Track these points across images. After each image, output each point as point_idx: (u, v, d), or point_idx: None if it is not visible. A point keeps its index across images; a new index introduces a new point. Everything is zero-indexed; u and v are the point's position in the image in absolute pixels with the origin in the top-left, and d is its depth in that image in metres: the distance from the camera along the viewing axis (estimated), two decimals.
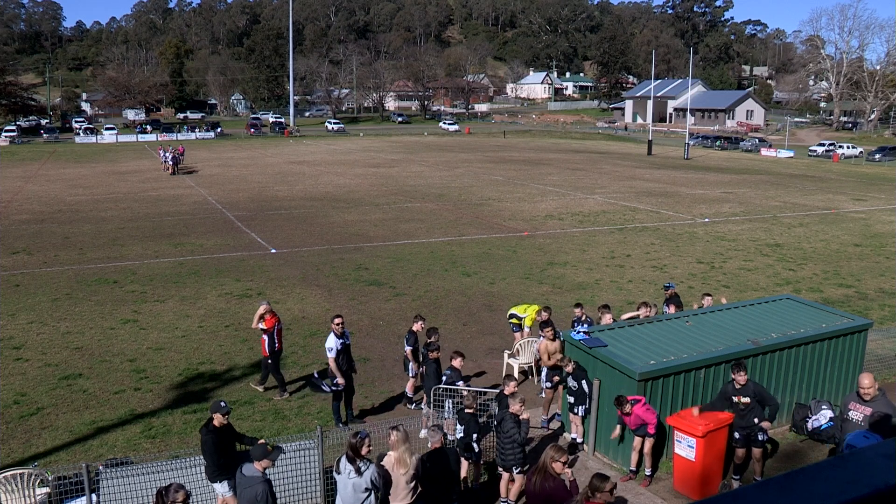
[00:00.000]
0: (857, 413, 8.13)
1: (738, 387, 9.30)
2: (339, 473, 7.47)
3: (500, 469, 9.10)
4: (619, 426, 9.64)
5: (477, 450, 9.30)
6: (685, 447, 9.17)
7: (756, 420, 9.28)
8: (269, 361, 12.22)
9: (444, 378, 10.50)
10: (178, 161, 47.65)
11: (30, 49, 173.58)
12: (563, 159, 59.31)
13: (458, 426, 9.08)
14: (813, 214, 32.54)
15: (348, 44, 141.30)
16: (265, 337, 12.17)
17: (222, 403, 8.22)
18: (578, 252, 23.87)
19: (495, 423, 9.23)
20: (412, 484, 7.64)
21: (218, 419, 8.05)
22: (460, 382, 10.52)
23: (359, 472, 7.34)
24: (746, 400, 9.23)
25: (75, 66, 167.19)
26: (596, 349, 10.33)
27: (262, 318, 12.18)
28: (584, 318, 12.48)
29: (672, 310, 13.44)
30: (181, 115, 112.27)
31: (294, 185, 40.85)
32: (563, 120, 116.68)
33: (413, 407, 11.81)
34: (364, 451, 7.44)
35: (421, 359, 11.25)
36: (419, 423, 10.85)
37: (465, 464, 9.39)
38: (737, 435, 9.35)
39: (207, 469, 8.09)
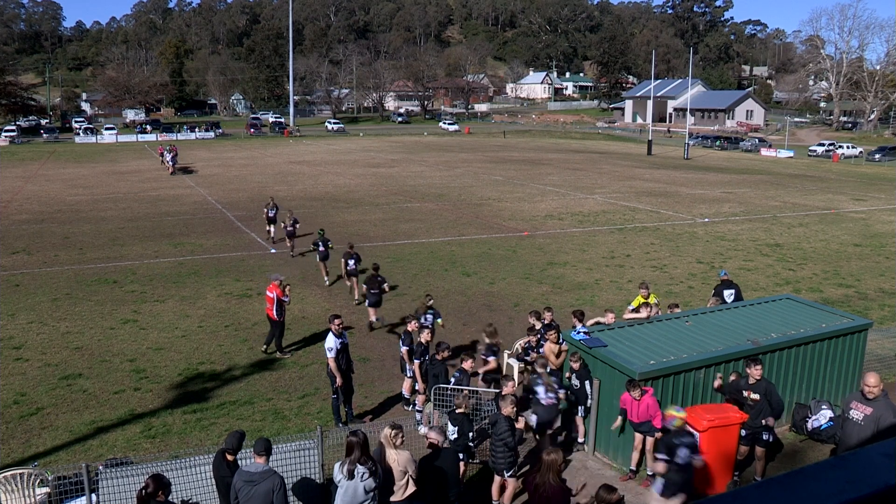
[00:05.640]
0: (858, 412, 8.09)
1: (751, 382, 9.30)
2: (350, 479, 7.13)
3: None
4: (619, 417, 9.64)
5: (473, 450, 9.28)
6: None
7: (763, 421, 9.27)
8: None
9: (452, 380, 10.50)
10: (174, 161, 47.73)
11: (30, 49, 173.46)
12: (563, 159, 59.32)
13: (451, 427, 9.06)
14: (813, 214, 32.53)
15: (348, 44, 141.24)
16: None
17: (238, 434, 7.69)
18: (578, 252, 23.87)
19: (488, 423, 9.21)
20: (404, 481, 7.61)
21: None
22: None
23: (373, 474, 7.17)
24: (756, 396, 9.23)
25: (75, 66, 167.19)
26: (596, 349, 10.33)
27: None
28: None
29: (714, 301, 13.53)
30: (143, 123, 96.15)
31: (294, 185, 40.85)
32: (563, 120, 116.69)
33: (410, 409, 11.83)
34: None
35: (428, 359, 11.27)
36: (414, 422, 10.86)
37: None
38: (742, 432, 9.35)
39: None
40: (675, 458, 7.98)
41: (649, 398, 9.25)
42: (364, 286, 16.03)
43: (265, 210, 24.72)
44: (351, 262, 17.61)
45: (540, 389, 9.95)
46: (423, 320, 12.92)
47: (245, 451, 8.06)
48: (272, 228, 24.51)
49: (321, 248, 19.07)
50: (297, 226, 22.53)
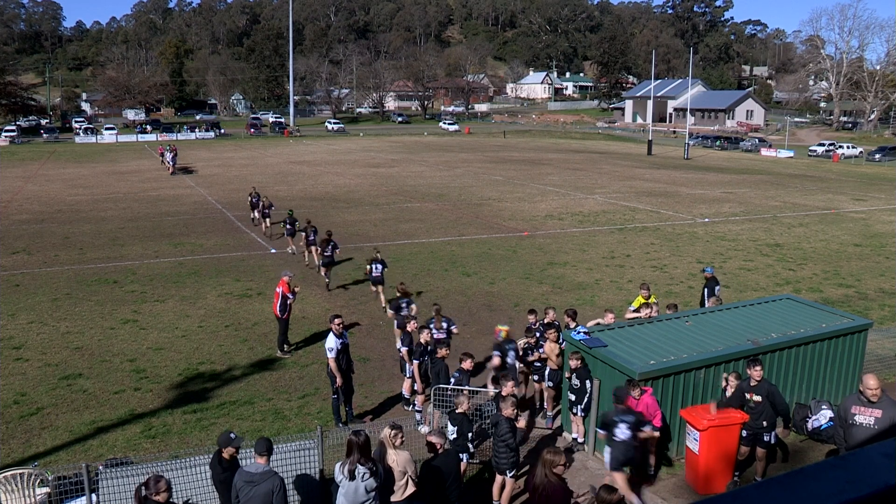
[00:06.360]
0: (866, 417, 7.86)
1: (752, 384, 9.25)
2: (351, 480, 7.13)
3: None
4: None
5: (472, 450, 9.28)
6: (692, 440, 9.29)
7: (765, 423, 9.21)
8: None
9: (451, 380, 10.51)
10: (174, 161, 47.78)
11: (30, 49, 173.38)
12: (563, 159, 59.32)
13: (451, 427, 9.06)
14: (813, 214, 32.53)
15: (348, 44, 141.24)
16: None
17: (232, 435, 7.69)
18: (578, 252, 23.87)
19: (490, 424, 9.20)
20: (403, 481, 7.61)
21: (229, 452, 7.59)
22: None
23: (374, 474, 7.16)
24: (758, 398, 9.16)
25: (75, 66, 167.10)
26: (596, 349, 10.33)
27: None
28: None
29: (713, 301, 13.58)
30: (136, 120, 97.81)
31: (294, 185, 40.86)
32: (563, 120, 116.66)
33: (410, 408, 11.83)
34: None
35: (428, 360, 11.28)
36: (414, 422, 10.86)
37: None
38: (743, 433, 9.32)
39: None
40: (506, 358, 11.03)
41: (648, 398, 9.25)
42: (318, 248, 19.71)
43: (249, 198, 29.40)
44: (311, 235, 21.05)
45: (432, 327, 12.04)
46: (373, 268, 17.19)
47: (246, 450, 8.07)
48: (255, 214, 28.73)
49: (288, 226, 23.23)
50: (273, 208, 26.97)
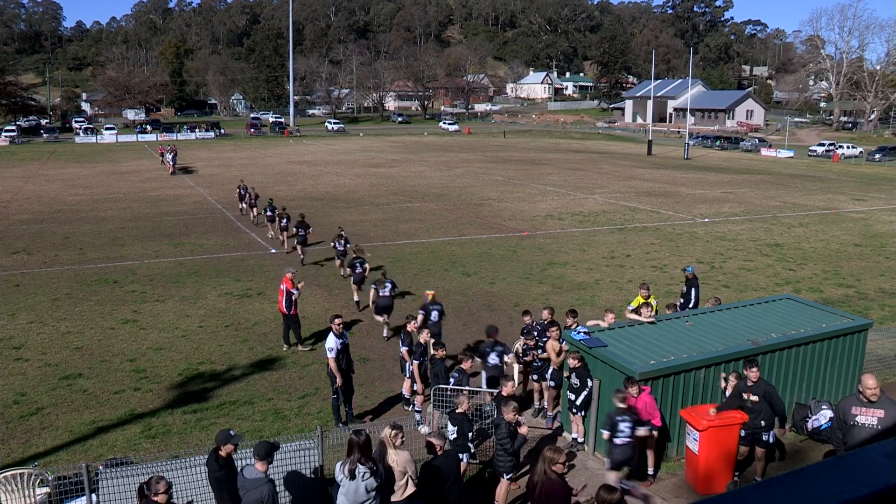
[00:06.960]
0: (868, 417, 7.76)
1: (749, 384, 9.26)
2: (352, 479, 7.15)
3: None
4: None
5: (472, 450, 9.28)
6: (691, 440, 9.31)
7: (763, 422, 9.22)
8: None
9: (451, 380, 10.50)
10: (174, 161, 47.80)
11: (30, 49, 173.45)
12: (563, 159, 59.31)
13: (451, 427, 9.05)
14: (813, 214, 32.53)
15: (348, 44, 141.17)
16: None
17: (232, 433, 7.70)
18: (578, 252, 23.87)
19: (491, 425, 9.19)
20: (403, 481, 7.61)
21: (226, 450, 7.56)
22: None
23: (374, 474, 7.18)
24: (755, 398, 9.17)
25: (75, 66, 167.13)
26: (596, 349, 10.33)
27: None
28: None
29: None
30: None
31: (294, 185, 40.86)
32: (563, 120, 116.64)
33: (410, 409, 11.83)
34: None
35: (427, 360, 11.28)
36: (414, 422, 10.87)
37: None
38: (742, 433, 9.33)
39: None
40: (430, 318, 12.85)
41: (647, 397, 9.25)
42: (294, 229, 22.02)
43: (238, 190, 31.31)
44: (283, 222, 23.49)
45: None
46: (337, 245, 19.96)
47: (246, 450, 8.07)
48: (243, 205, 30.57)
49: (269, 213, 25.57)
50: (258, 199, 29.16)
